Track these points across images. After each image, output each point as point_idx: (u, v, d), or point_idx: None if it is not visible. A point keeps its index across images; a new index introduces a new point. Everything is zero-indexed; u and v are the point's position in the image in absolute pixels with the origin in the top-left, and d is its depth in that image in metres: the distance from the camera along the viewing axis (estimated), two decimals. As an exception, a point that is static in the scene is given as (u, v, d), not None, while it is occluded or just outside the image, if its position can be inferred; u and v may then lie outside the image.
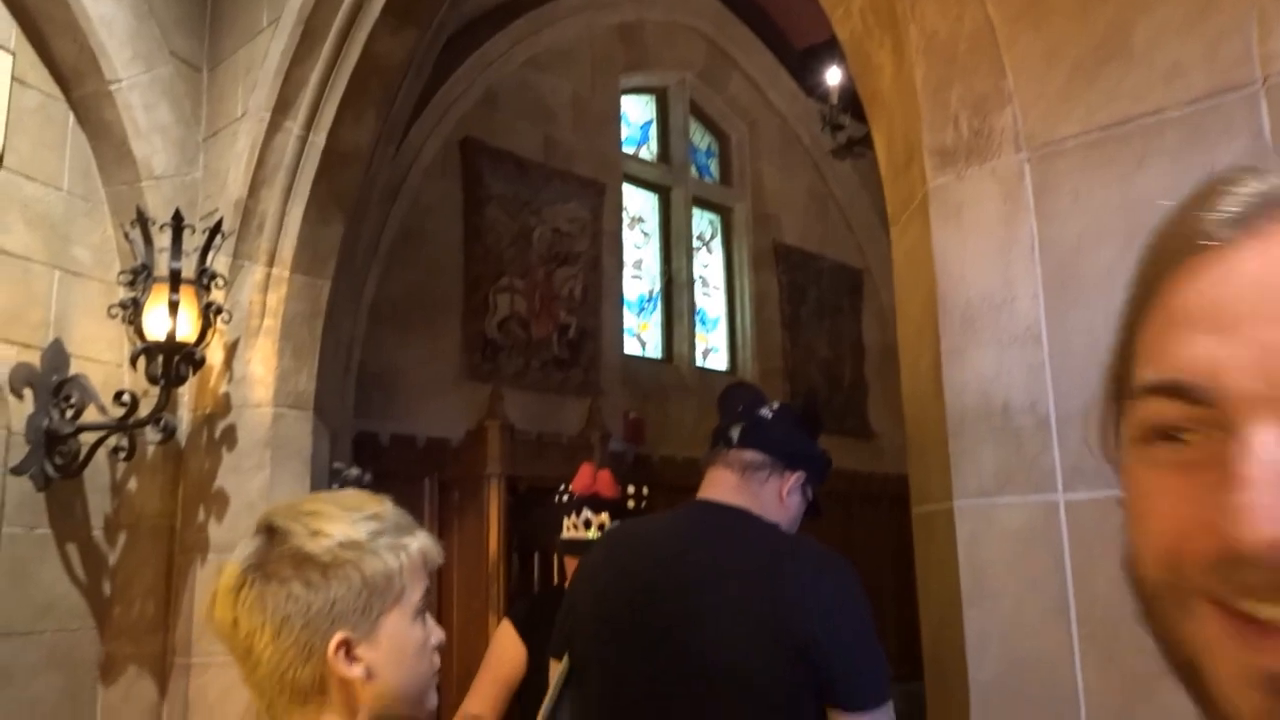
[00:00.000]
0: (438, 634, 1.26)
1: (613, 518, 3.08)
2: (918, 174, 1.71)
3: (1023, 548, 1.46)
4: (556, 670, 1.93)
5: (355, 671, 1.15)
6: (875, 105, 1.92)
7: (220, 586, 1.20)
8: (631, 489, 3.22)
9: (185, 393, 3.67)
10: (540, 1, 5.41)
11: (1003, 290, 1.55)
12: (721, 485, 1.84)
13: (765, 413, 1.91)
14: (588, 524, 3.11)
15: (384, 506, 1.25)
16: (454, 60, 4.91)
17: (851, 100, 5.35)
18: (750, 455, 1.84)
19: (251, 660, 1.15)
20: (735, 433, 1.86)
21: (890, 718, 1.62)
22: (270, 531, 1.19)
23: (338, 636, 1.14)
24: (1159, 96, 1.37)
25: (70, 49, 3.50)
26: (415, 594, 1.21)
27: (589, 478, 3.12)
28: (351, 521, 1.19)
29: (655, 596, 1.74)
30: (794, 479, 1.87)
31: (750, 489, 1.82)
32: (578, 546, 2.99)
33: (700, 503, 1.86)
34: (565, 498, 3.17)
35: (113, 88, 3.54)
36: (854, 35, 1.91)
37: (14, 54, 3.37)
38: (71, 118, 3.61)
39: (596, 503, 3.14)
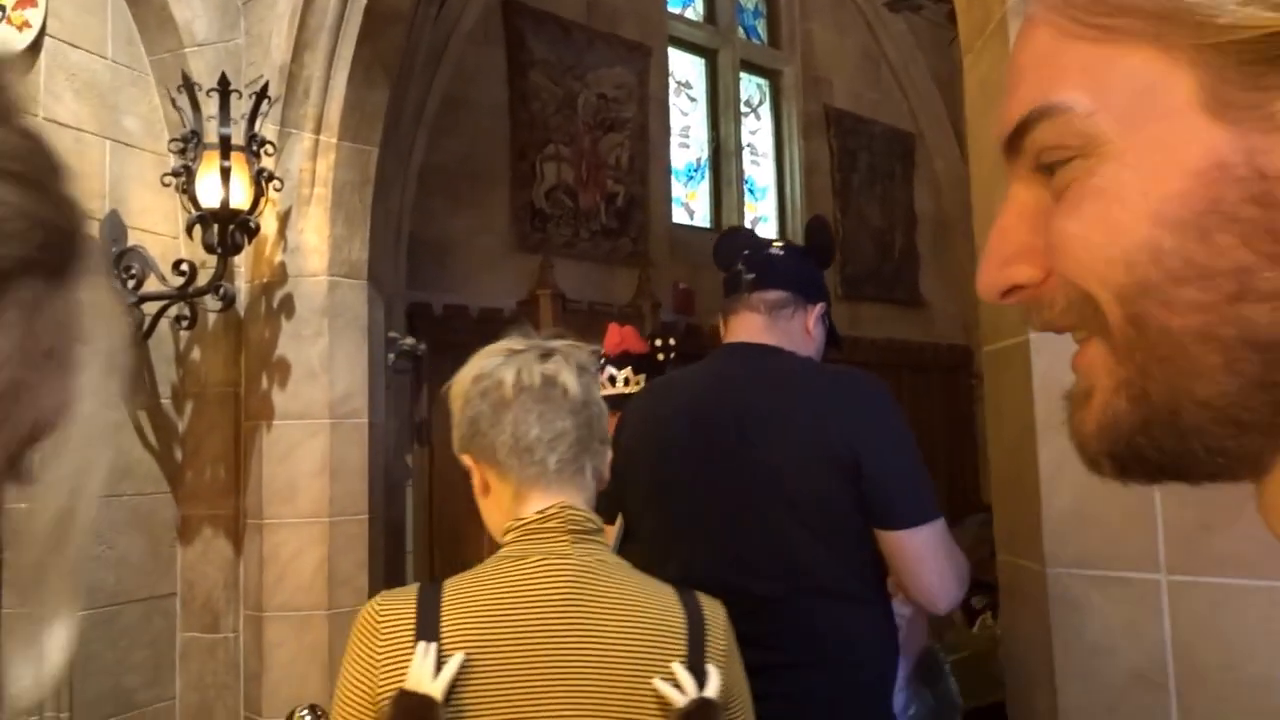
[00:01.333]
0: None
1: (647, 374, 3.10)
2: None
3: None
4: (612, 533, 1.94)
5: None
6: (949, -75, 1.81)
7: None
8: (659, 341, 3.23)
9: (241, 263, 3.70)
10: None
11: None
12: (749, 327, 1.85)
13: (776, 251, 1.92)
14: (625, 380, 3.14)
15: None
16: (494, -82, 4.73)
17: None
18: (773, 295, 1.85)
19: None
20: (751, 275, 1.86)
21: (942, 534, 1.62)
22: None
23: None
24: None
25: (106, -90, 3.41)
26: None
27: (617, 335, 3.13)
28: None
29: (706, 433, 1.76)
30: (816, 311, 1.89)
31: (779, 327, 1.83)
32: (614, 402, 3.02)
33: (732, 345, 1.87)
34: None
35: (149, -52, 3.47)
36: None
37: (49, -83, 3.30)
38: (110, -17, 3.55)
39: (625, 359, 3.17)
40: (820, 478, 1.64)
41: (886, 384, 1.77)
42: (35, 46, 3.25)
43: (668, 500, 1.82)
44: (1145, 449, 0.44)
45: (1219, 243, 0.39)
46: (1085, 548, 1.43)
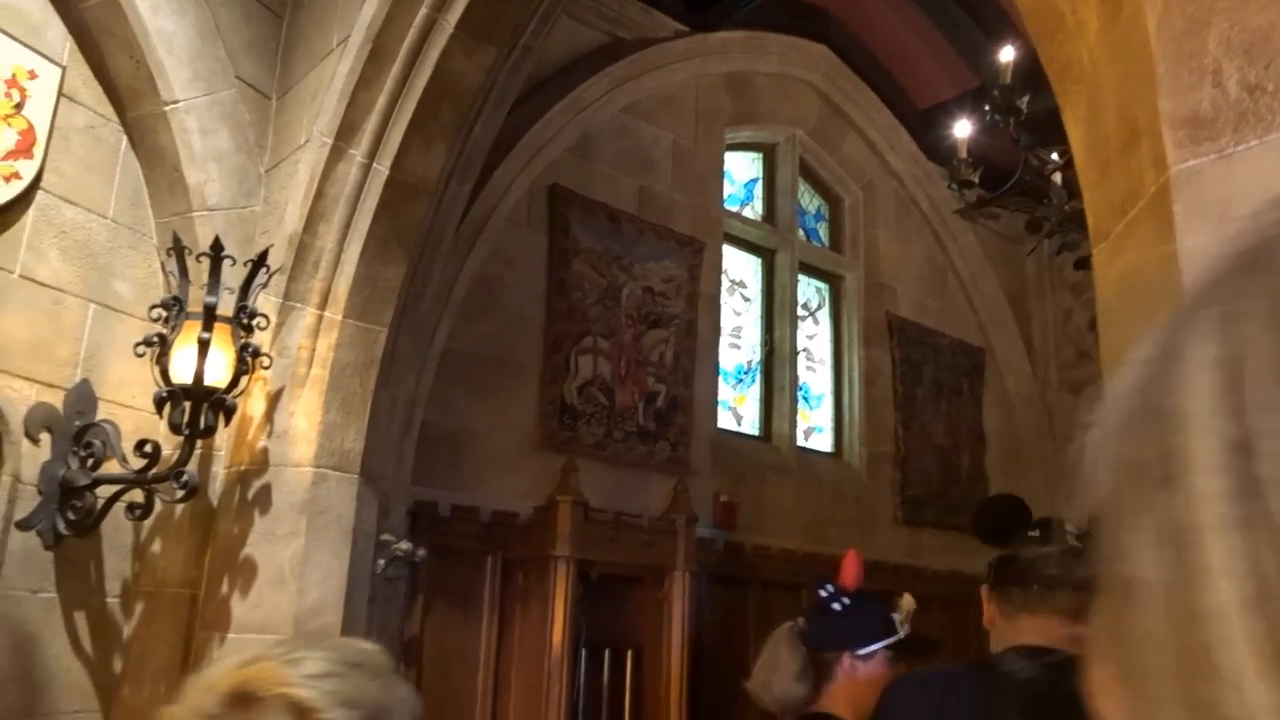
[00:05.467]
0: None
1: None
2: (1147, 159, 1.17)
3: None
4: None
5: None
6: (1069, 78, 1.39)
7: None
8: (910, 604, 2.60)
9: (222, 448, 3.29)
10: (644, 45, 5.04)
11: (1305, 326, 0.97)
12: (1049, 632, 1.63)
13: (1074, 540, 1.71)
14: (906, 619, 2.52)
15: (364, 647, 1.06)
16: (547, 101, 4.55)
17: (981, 157, 4.82)
18: (1081, 599, 1.61)
19: None
20: (1055, 573, 1.67)
21: None
22: (295, 709, 0.93)
23: None
24: None
25: (126, 66, 3.23)
26: None
27: (859, 568, 2.52)
28: (364, 680, 0.99)
29: None
30: None
31: (1076, 636, 1.59)
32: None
33: (1028, 649, 1.63)
34: (842, 599, 2.53)
35: (168, 109, 3.25)
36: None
37: (64, 68, 3.11)
38: (125, 141, 3.33)
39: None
40: None
41: None
42: (23, 199, 2.99)
43: None
44: None
45: None
46: None
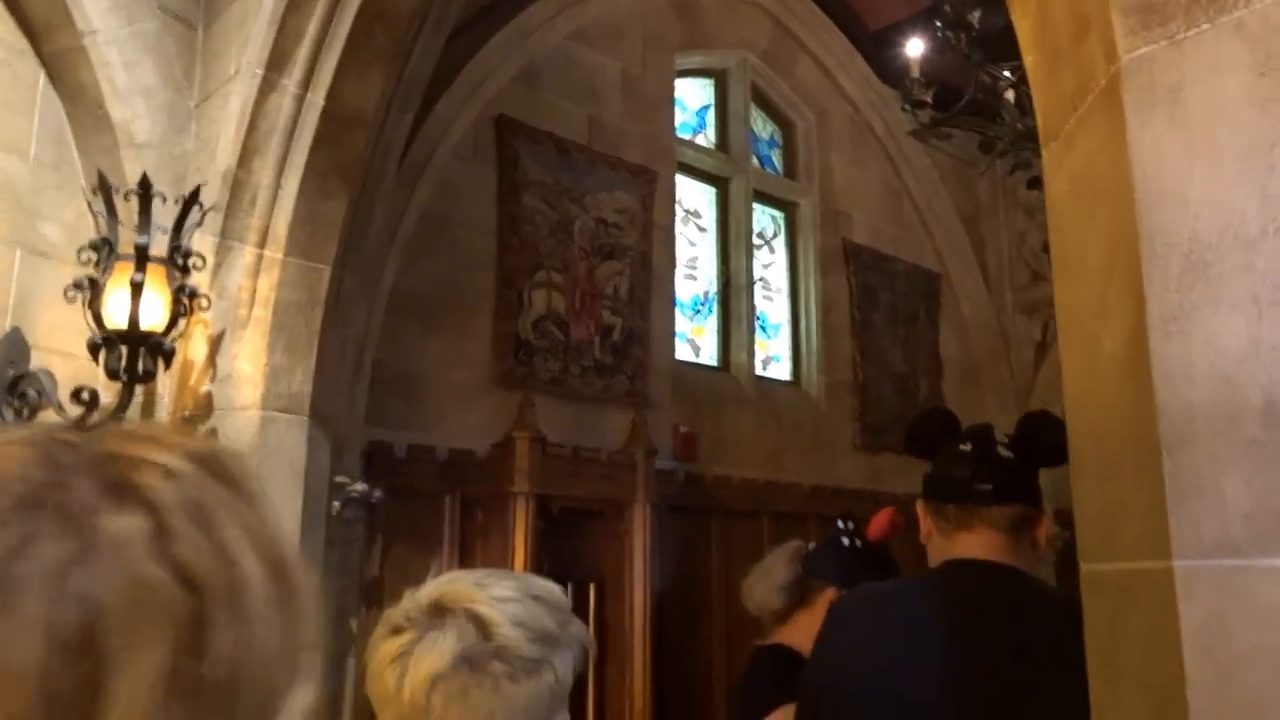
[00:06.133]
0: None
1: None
2: (1097, 50, 1.13)
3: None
4: None
5: None
6: (1018, -30, 1.34)
7: (417, 672, 1.13)
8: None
9: (165, 393, 3.20)
10: (587, -32, 4.89)
11: (1260, 217, 0.97)
12: (989, 545, 1.67)
13: (1006, 454, 1.71)
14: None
15: (549, 585, 1.25)
16: (489, 30, 4.40)
17: (934, 77, 4.75)
18: (1014, 510, 1.67)
19: None
20: (988, 487, 1.67)
21: None
22: (471, 618, 1.15)
23: None
24: None
25: (39, -5, 3.05)
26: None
27: (891, 525, 2.48)
28: (541, 611, 1.19)
29: (972, 681, 1.52)
30: (1046, 522, 1.72)
31: (1018, 546, 1.67)
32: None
33: (974, 566, 1.66)
34: (855, 541, 2.50)
35: (85, 41, 3.09)
36: None
37: (-30, -1, 2.94)
38: (43, 77, 3.17)
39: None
40: None
41: None
42: (-64, 139, 2.84)
43: None
44: None
45: None
46: None
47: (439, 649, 1.13)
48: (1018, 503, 1.67)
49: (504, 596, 1.17)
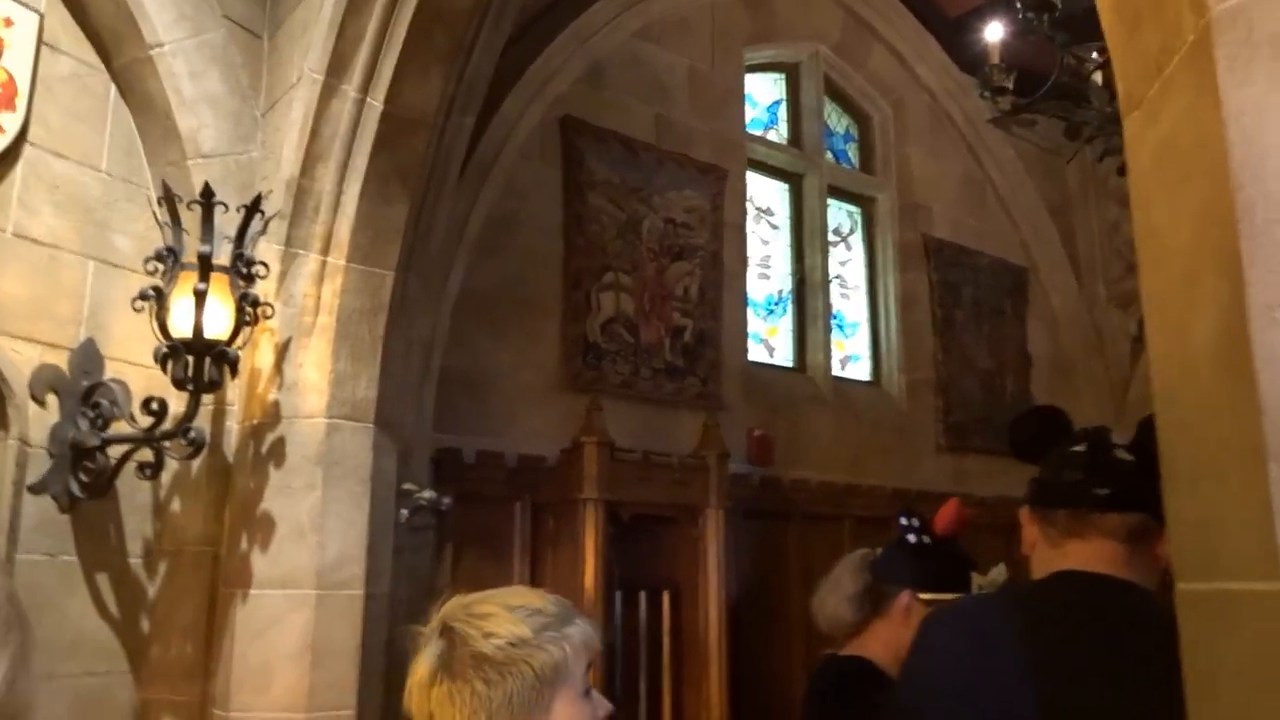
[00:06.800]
0: (604, 707, 1.43)
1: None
2: (1184, 3, 1.00)
3: None
4: None
5: None
6: (1096, -74, 1.21)
7: (413, 682, 1.38)
8: (999, 576, 2.43)
9: (235, 401, 3.22)
10: (652, -37, 4.81)
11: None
12: (1104, 556, 1.51)
13: (1126, 457, 1.56)
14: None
15: (544, 601, 1.43)
16: (552, 29, 4.36)
17: (1014, 62, 4.54)
18: (1134, 519, 1.51)
19: None
20: (1105, 491, 1.53)
21: None
22: (448, 633, 1.37)
23: None
24: None
25: (107, 8, 3.10)
26: (579, 675, 1.39)
27: (958, 517, 2.40)
28: (517, 620, 1.37)
29: (1054, 702, 1.38)
30: (1164, 536, 1.51)
31: (1136, 559, 1.52)
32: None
33: (1088, 579, 1.51)
34: (923, 538, 2.42)
35: (153, 52, 3.13)
36: None
37: (41, 14, 2.99)
38: (113, 90, 3.22)
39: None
40: None
41: None
42: (11, 154, 2.89)
43: None
44: None
45: None
46: None
47: (425, 661, 1.37)
48: (1137, 510, 1.52)
49: (482, 613, 1.38)
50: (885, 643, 2.31)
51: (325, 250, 3.15)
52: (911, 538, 2.41)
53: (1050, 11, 3.95)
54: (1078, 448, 1.59)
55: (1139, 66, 1.12)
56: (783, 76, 5.89)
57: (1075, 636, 1.45)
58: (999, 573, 2.34)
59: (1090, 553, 1.52)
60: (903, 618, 2.30)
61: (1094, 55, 4.24)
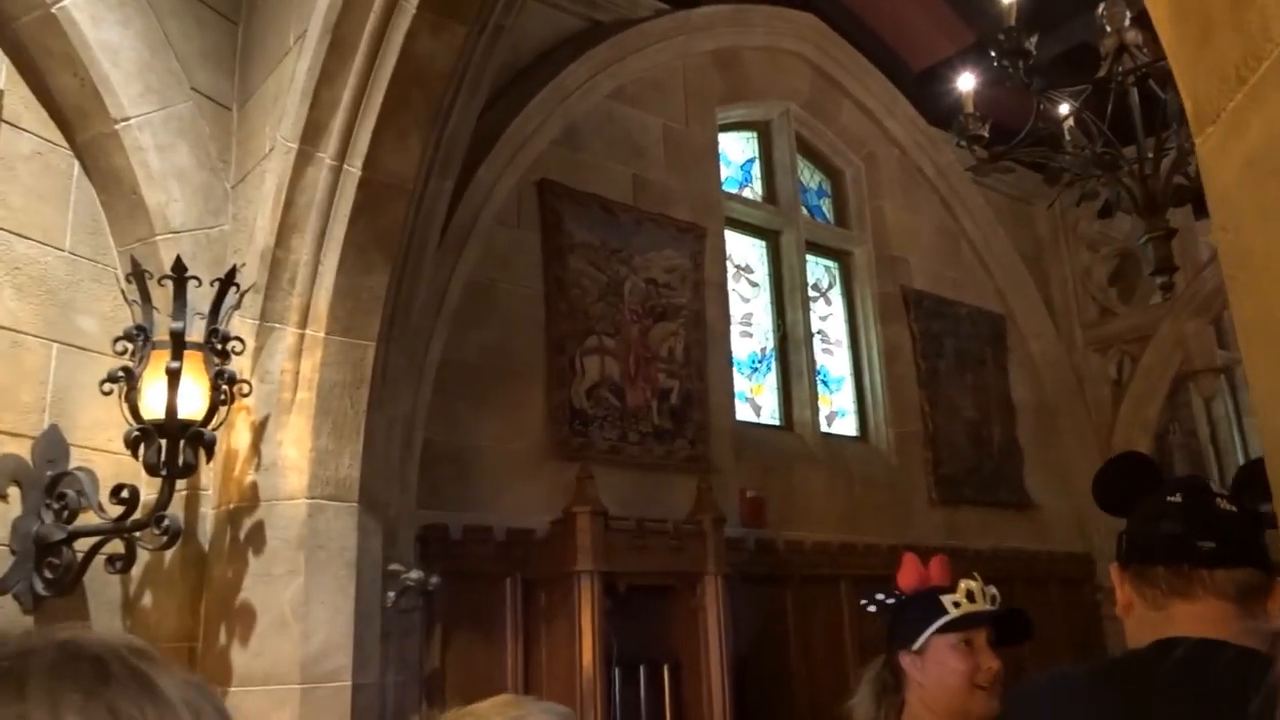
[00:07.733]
0: None
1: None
2: (1271, 6, 0.91)
3: None
4: None
5: None
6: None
7: None
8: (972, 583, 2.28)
9: (209, 486, 3.05)
10: (624, 26, 4.80)
11: None
12: (1213, 617, 1.37)
13: (1228, 508, 1.42)
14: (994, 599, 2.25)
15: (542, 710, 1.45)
16: (528, 92, 4.31)
17: (986, 112, 4.55)
18: (1243, 574, 1.37)
19: None
20: (1211, 544, 1.39)
21: None
22: None
23: None
24: None
25: (71, 84, 2.99)
26: None
27: (917, 569, 2.27)
28: None
29: None
30: (1276, 589, 1.41)
31: (1248, 619, 1.36)
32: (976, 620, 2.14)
33: (1201, 646, 1.34)
34: (887, 601, 2.30)
35: (119, 126, 3.01)
36: None
37: (2, 90, 2.87)
38: (77, 167, 3.10)
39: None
40: None
41: None
42: (-33, 236, 2.76)
43: None
44: None
45: None
46: None
47: None
48: (1246, 565, 1.39)
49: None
50: (920, 710, 2.18)
51: (303, 323, 3.02)
52: (872, 609, 2.32)
53: (1025, 58, 3.96)
54: (1174, 497, 1.47)
55: (1213, 79, 1.03)
56: (755, 134, 5.89)
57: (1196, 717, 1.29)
58: (966, 584, 2.23)
59: (1200, 615, 1.39)
60: (918, 678, 2.18)
61: (1063, 109, 4.26)
